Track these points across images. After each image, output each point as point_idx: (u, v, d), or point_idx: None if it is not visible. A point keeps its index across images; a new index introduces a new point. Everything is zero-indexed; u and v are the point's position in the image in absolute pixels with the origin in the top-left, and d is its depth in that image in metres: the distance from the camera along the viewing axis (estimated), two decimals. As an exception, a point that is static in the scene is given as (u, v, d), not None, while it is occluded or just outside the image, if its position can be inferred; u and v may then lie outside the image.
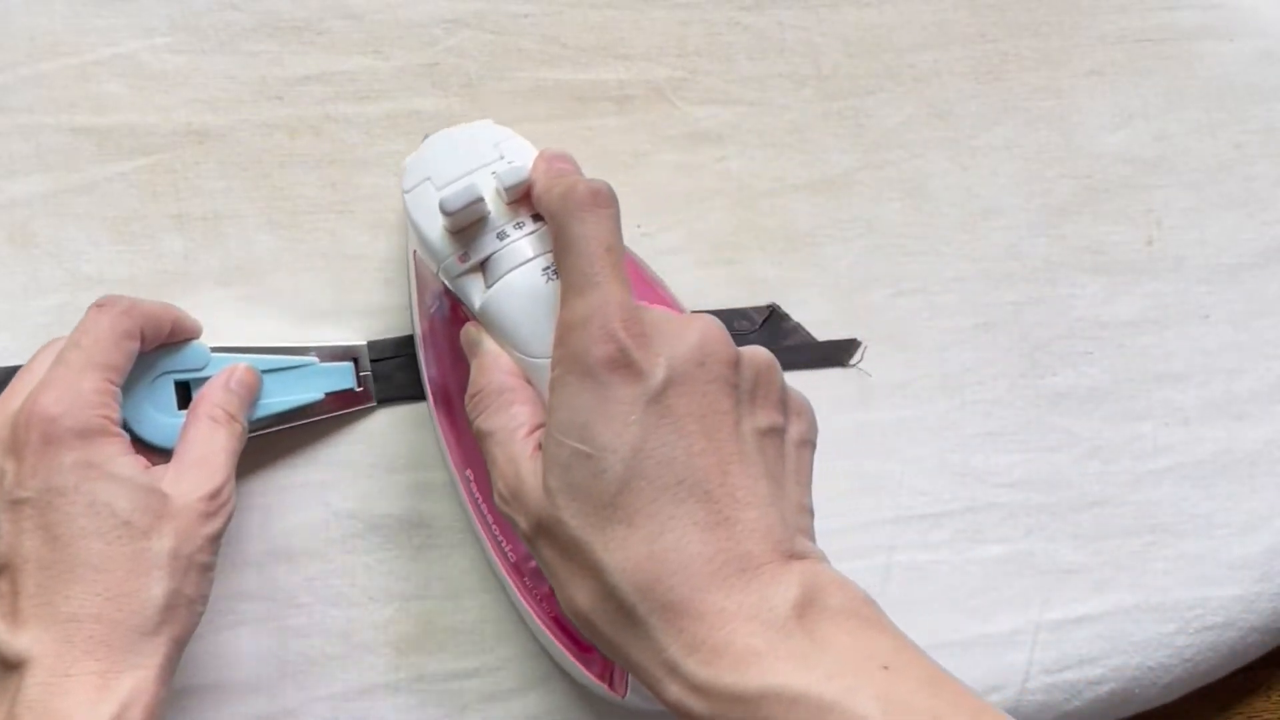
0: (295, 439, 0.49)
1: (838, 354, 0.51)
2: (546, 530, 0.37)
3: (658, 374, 0.36)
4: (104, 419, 0.41)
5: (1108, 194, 0.52)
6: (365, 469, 0.49)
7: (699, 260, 0.51)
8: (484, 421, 0.40)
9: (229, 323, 0.49)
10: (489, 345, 0.42)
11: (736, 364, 0.38)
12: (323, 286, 0.50)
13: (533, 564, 0.46)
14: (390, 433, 0.49)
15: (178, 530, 0.41)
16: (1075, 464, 0.51)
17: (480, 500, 0.47)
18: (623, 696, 0.44)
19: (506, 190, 0.42)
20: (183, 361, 0.46)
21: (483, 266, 0.42)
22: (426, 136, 0.46)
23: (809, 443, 0.40)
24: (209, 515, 0.42)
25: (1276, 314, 0.52)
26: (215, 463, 0.43)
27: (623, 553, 0.36)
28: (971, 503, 0.51)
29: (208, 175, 0.50)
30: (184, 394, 0.46)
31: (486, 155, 0.44)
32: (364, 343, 0.49)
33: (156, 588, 0.40)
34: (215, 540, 0.42)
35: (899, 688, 0.33)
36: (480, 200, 0.41)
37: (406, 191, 0.44)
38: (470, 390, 0.41)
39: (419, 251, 0.45)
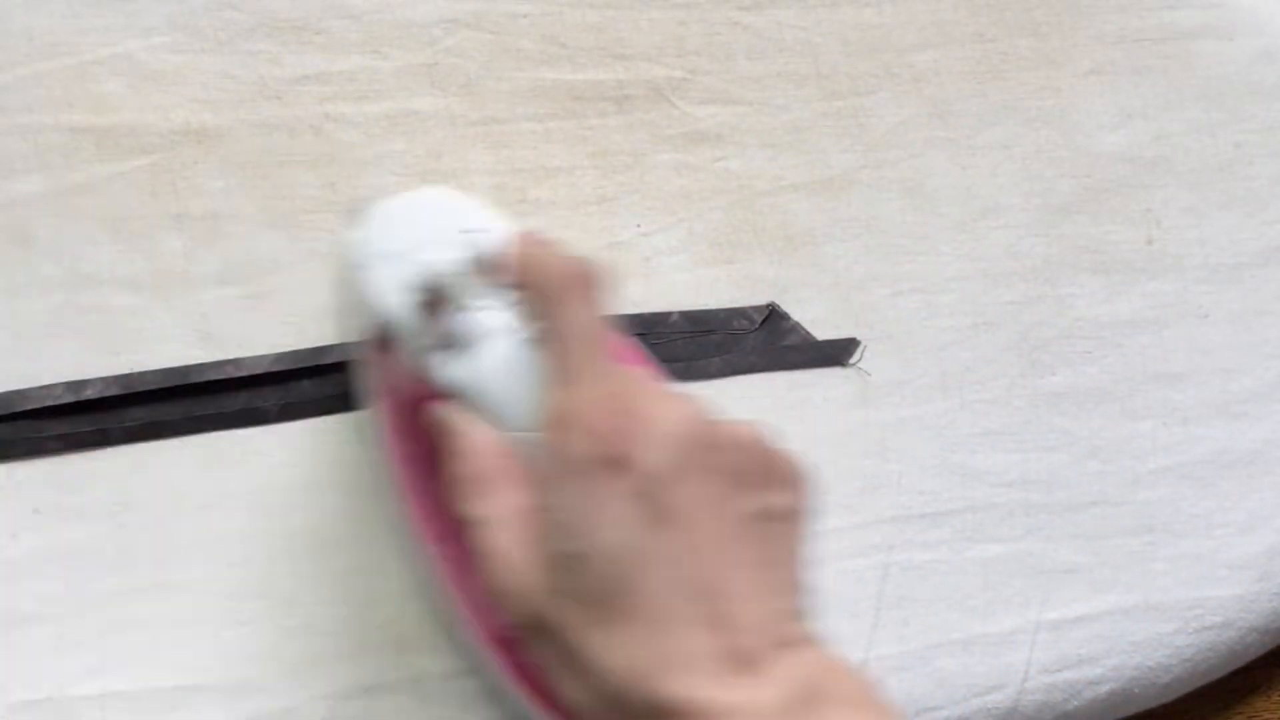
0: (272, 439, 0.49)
1: (837, 354, 0.51)
2: (542, 629, 0.37)
3: (649, 468, 0.36)
4: None
5: (1107, 194, 0.52)
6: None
7: (699, 260, 0.51)
8: (472, 508, 0.39)
9: (229, 323, 0.49)
10: (468, 424, 0.40)
11: (724, 447, 0.37)
12: (323, 286, 0.50)
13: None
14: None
15: None
16: (1074, 463, 0.51)
17: (456, 581, 0.46)
18: None
19: (479, 262, 0.41)
20: None
21: (452, 341, 0.42)
22: (363, 207, 0.45)
23: (799, 511, 0.39)
24: None
25: (1276, 314, 0.52)
26: None
27: (620, 653, 0.35)
28: (970, 502, 0.51)
29: (207, 175, 0.50)
30: None
31: (448, 225, 0.43)
32: None
33: None
34: None
35: None
36: (453, 274, 0.41)
37: (359, 269, 0.43)
38: (453, 474, 0.40)
39: (374, 331, 0.43)
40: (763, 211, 0.51)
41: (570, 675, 0.36)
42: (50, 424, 0.48)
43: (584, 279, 0.39)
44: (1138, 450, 0.51)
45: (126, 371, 0.48)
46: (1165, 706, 0.52)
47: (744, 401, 0.51)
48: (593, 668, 0.35)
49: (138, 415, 0.49)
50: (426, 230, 0.43)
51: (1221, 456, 0.51)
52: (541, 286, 0.39)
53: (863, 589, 0.50)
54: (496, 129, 0.50)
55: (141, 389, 0.48)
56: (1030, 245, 0.52)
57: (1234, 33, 0.53)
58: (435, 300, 0.42)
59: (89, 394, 0.48)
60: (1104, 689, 0.50)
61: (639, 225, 0.51)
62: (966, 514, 0.51)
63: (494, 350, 0.41)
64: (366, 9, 0.50)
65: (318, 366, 0.49)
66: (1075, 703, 0.50)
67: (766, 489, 0.38)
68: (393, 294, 0.42)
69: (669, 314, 0.51)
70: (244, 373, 0.49)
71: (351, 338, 0.47)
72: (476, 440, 0.40)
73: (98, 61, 0.49)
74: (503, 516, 0.38)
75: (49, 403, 0.48)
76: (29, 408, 0.48)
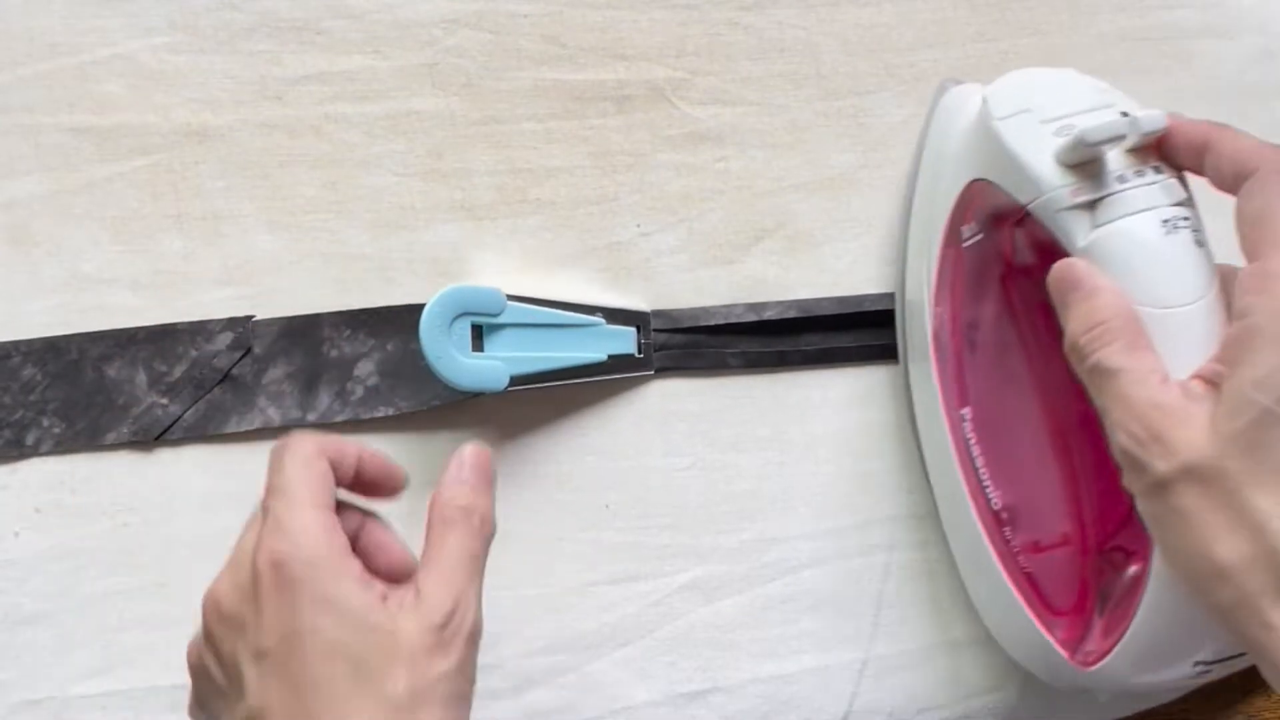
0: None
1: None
2: (1197, 477, 0.37)
3: None
4: (331, 546, 0.39)
5: (1107, 193, 0.52)
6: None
7: (699, 260, 0.51)
8: (1111, 357, 0.39)
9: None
10: (1107, 281, 0.41)
11: None
12: (322, 286, 0.50)
13: (1010, 515, 0.46)
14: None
15: (410, 672, 0.38)
16: (1075, 463, 0.51)
17: (973, 441, 0.47)
18: (1089, 668, 0.44)
19: (1144, 135, 0.41)
20: (480, 304, 0.47)
21: (1092, 206, 0.42)
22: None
23: None
24: (437, 649, 0.39)
25: (1276, 313, 0.52)
26: (450, 581, 0.40)
27: None
28: (971, 502, 0.51)
29: (207, 175, 0.50)
30: (479, 337, 0.47)
31: (1095, 100, 0.43)
32: (649, 310, 0.50)
33: None
34: (451, 676, 0.40)
35: None
36: (1121, 137, 0.41)
37: (999, 119, 0.44)
38: (1089, 321, 0.40)
39: (1003, 181, 0.44)
40: (763, 211, 0.51)
41: (1219, 528, 0.37)
42: (734, 340, 0.50)
43: None
44: (1138, 450, 0.51)
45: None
46: (1165, 706, 0.52)
47: (745, 400, 0.51)
48: (1256, 525, 0.36)
49: (812, 341, 0.51)
50: (1077, 99, 0.43)
51: (1222, 456, 0.51)
52: (1245, 166, 0.39)
53: (863, 589, 0.50)
54: (496, 129, 0.50)
55: (818, 314, 0.51)
56: (1030, 245, 0.52)
57: (1234, 32, 0.53)
58: (1081, 163, 0.42)
59: (769, 315, 0.50)
60: (1104, 688, 0.50)
61: (639, 225, 0.51)
62: (967, 514, 0.51)
63: (1136, 224, 0.41)
64: (366, 9, 0.50)
65: None
66: (1076, 702, 0.50)
67: None
68: (1031, 147, 0.43)
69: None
70: None
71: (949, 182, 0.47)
72: (1114, 296, 0.41)
73: (98, 62, 0.49)
74: (1146, 370, 0.39)
75: (733, 319, 0.50)
76: (714, 323, 0.50)
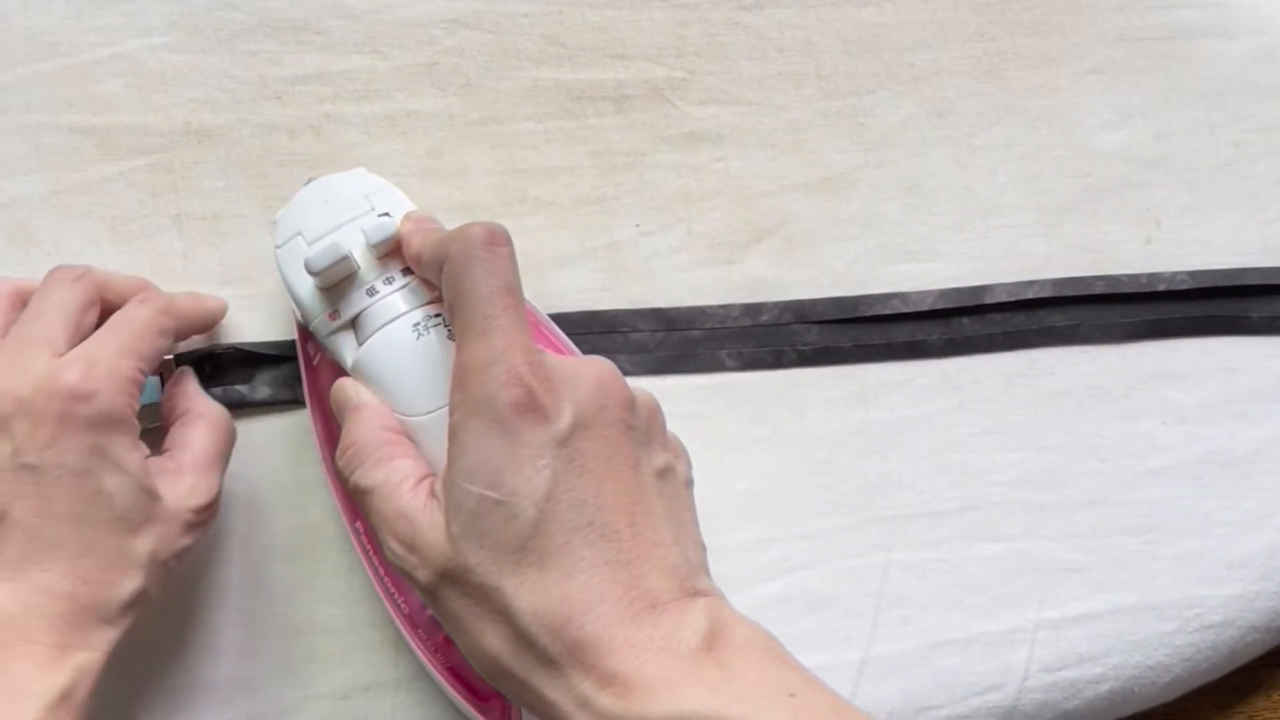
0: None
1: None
2: (451, 578, 0.37)
3: (565, 418, 0.37)
4: (129, 408, 0.41)
5: (1107, 193, 0.52)
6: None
7: (698, 260, 0.51)
8: (363, 477, 0.39)
9: (229, 322, 0.49)
10: (365, 398, 0.41)
11: (632, 406, 0.38)
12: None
13: (427, 614, 0.45)
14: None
15: (161, 535, 0.42)
16: (1073, 463, 0.51)
17: (371, 553, 0.47)
18: None
19: (374, 246, 0.41)
20: None
21: (353, 324, 0.42)
22: (309, 180, 0.45)
23: (691, 481, 0.41)
24: (193, 526, 0.43)
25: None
26: (212, 473, 0.44)
27: (533, 595, 0.36)
28: (970, 501, 0.51)
29: (207, 175, 0.50)
30: None
31: (357, 208, 0.43)
32: (171, 356, 0.48)
33: (129, 584, 0.41)
34: (190, 552, 0.43)
35: (807, 711, 0.34)
36: (346, 258, 0.41)
37: (278, 247, 0.44)
38: (343, 445, 0.41)
39: (295, 307, 0.44)
40: (763, 211, 0.51)
41: (480, 622, 0.37)
42: (728, 343, 0.50)
43: (492, 236, 0.38)
44: (1137, 449, 0.51)
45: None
46: (1165, 706, 0.52)
47: (745, 400, 0.51)
48: (505, 611, 0.36)
49: (810, 340, 0.51)
50: (338, 212, 0.43)
51: (1221, 456, 0.51)
52: (442, 248, 0.39)
53: (863, 588, 0.50)
54: (496, 129, 0.50)
55: (814, 318, 0.50)
56: (1030, 244, 0.52)
57: (1234, 32, 0.53)
58: (335, 283, 0.42)
59: (765, 318, 0.50)
60: (1104, 688, 0.50)
61: (639, 225, 0.51)
62: (966, 513, 0.51)
63: (389, 333, 0.41)
64: (366, 9, 0.50)
65: (979, 305, 0.51)
66: (1075, 701, 0.50)
67: (669, 452, 0.40)
68: (299, 274, 0.43)
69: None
70: (910, 308, 0.51)
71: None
72: (369, 412, 0.41)
73: (98, 61, 0.49)
74: (395, 482, 0.39)
75: (728, 324, 0.50)
76: (709, 326, 0.50)
